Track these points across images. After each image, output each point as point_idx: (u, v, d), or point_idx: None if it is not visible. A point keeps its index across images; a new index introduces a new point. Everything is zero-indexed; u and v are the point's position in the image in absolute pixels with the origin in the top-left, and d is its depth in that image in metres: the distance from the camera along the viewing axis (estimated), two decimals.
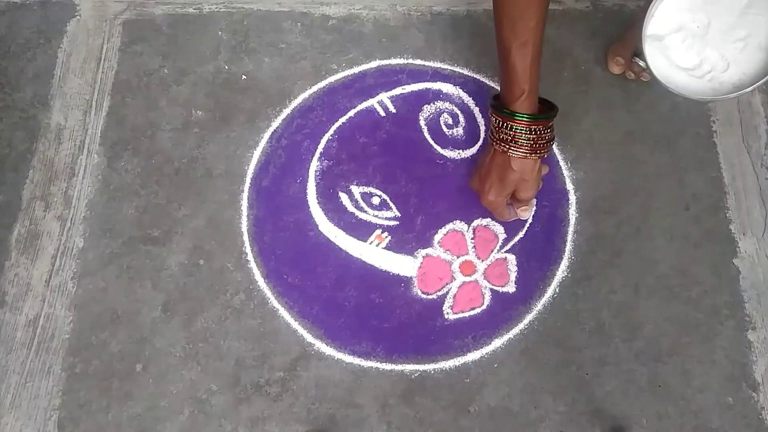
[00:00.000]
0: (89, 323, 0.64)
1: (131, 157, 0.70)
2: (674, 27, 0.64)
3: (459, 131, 0.71)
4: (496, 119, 0.58)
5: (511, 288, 0.65)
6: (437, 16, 0.76)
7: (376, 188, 0.69)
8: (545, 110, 0.60)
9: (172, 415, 0.60)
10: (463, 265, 0.66)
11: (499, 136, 0.58)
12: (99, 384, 0.61)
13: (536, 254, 0.66)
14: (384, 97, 0.72)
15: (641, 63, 0.66)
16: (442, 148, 0.70)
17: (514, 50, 0.54)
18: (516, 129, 0.56)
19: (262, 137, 0.71)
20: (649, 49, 0.63)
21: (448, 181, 0.69)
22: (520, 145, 0.56)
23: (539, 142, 0.57)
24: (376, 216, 0.68)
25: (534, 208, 0.67)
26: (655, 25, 0.63)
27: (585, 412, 0.61)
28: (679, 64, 0.64)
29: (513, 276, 0.66)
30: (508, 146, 0.57)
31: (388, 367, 0.62)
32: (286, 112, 0.72)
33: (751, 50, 0.62)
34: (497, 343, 0.63)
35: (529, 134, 0.56)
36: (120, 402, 0.61)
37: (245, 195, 0.68)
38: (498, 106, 0.58)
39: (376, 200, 0.68)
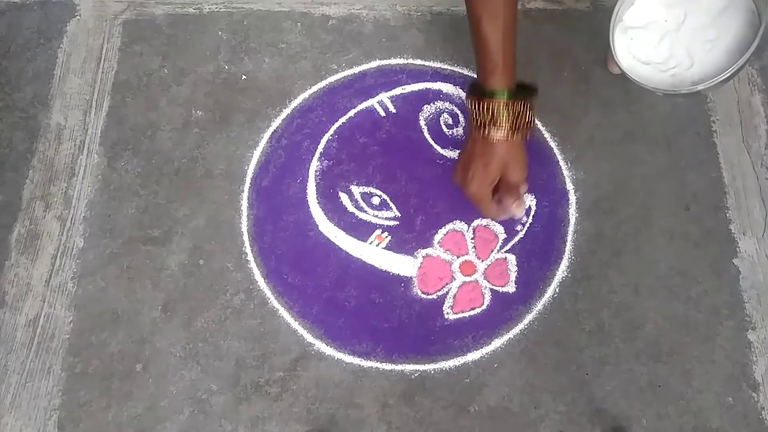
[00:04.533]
0: (89, 323, 0.64)
1: (131, 157, 0.70)
2: (650, 18, 0.65)
3: (459, 131, 0.71)
4: (473, 102, 0.56)
5: (511, 288, 0.65)
6: (437, 16, 0.76)
7: (376, 188, 0.69)
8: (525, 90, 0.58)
9: (172, 415, 0.60)
10: (463, 265, 0.66)
11: (479, 119, 0.55)
12: (99, 384, 0.61)
13: (536, 254, 0.66)
14: (384, 97, 0.72)
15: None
16: (442, 148, 0.70)
17: (484, 22, 0.53)
18: (494, 109, 0.54)
19: (262, 137, 0.71)
20: (619, 37, 0.64)
21: (448, 181, 0.68)
22: (500, 126, 0.54)
23: (519, 121, 0.55)
24: (376, 216, 0.68)
25: (526, 204, 0.66)
26: (631, 14, 0.64)
27: (585, 412, 0.61)
28: (648, 55, 0.65)
29: (513, 276, 0.66)
30: (488, 129, 0.55)
31: (388, 367, 0.62)
32: (286, 112, 0.72)
33: (717, 52, 0.63)
34: (497, 343, 0.63)
35: (508, 113, 0.54)
36: (120, 402, 0.61)
37: (245, 195, 0.68)
38: (475, 89, 0.57)
39: (376, 200, 0.68)
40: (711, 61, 0.63)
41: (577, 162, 0.70)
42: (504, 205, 0.61)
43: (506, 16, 0.53)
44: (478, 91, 0.56)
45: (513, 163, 0.57)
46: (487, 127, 0.55)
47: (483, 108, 0.55)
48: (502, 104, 0.54)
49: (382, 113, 0.72)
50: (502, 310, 0.64)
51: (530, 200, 0.68)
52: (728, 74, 0.60)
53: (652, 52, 0.65)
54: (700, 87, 0.61)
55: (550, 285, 0.65)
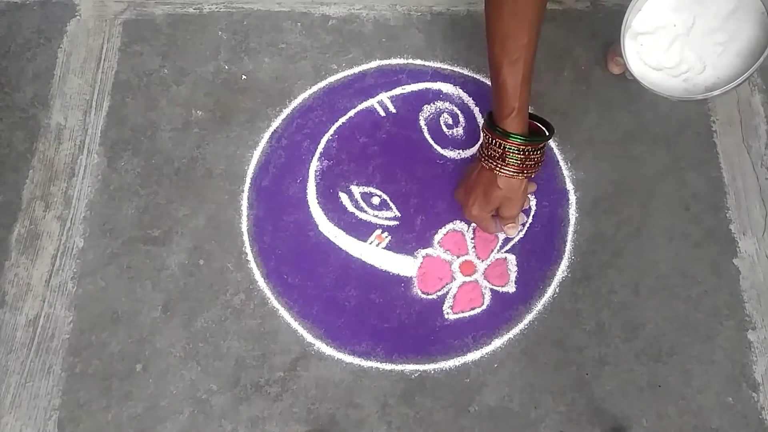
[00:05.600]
0: (89, 323, 0.64)
1: (131, 157, 0.70)
2: (659, 23, 0.64)
3: (459, 131, 0.71)
4: (486, 135, 0.58)
5: (511, 288, 0.65)
6: (437, 16, 0.76)
7: (376, 188, 0.69)
8: (538, 129, 0.59)
9: (172, 415, 0.60)
10: (463, 265, 0.66)
11: (488, 152, 0.57)
12: (99, 384, 0.62)
13: (536, 254, 0.66)
14: (384, 97, 0.72)
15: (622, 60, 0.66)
16: (442, 148, 0.70)
17: (504, 68, 0.54)
18: (506, 148, 0.56)
19: (262, 137, 0.71)
20: (629, 43, 0.64)
21: (448, 181, 0.69)
22: (508, 164, 0.56)
23: (527, 162, 0.56)
24: (376, 216, 0.68)
25: (523, 225, 0.67)
26: (639, 19, 0.64)
27: (585, 412, 0.61)
28: (658, 61, 0.65)
29: (513, 276, 0.66)
30: (496, 163, 0.57)
31: (388, 367, 0.62)
32: (286, 112, 0.72)
33: (728, 56, 0.63)
34: (497, 343, 0.63)
35: (518, 154, 0.56)
36: (120, 402, 0.61)
37: (245, 195, 0.68)
38: (491, 123, 0.58)
39: (376, 200, 0.68)
40: (723, 64, 0.63)
41: (577, 162, 0.70)
42: (499, 226, 0.63)
43: (526, 62, 0.54)
44: (493, 125, 0.57)
45: (512, 199, 0.59)
46: (495, 162, 0.57)
47: (496, 145, 0.56)
48: (514, 146, 0.56)
49: (382, 113, 0.72)
50: (502, 310, 0.64)
51: (529, 203, 0.68)
52: (744, 77, 0.60)
53: (662, 58, 0.65)
54: (716, 92, 0.61)
55: (550, 285, 0.65)
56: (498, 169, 0.57)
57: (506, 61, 0.54)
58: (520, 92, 0.54)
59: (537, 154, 0.57)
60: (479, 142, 0.69)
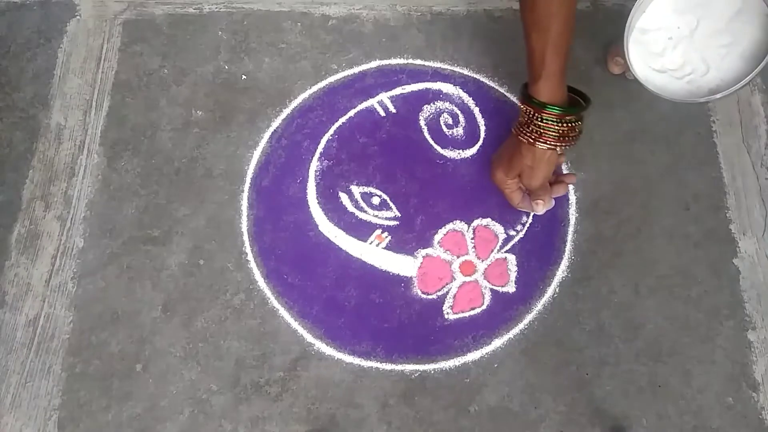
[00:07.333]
0: (89, 323, 0.64)
1: (131, 157, 0.70)
2: (662, 25, 0.64)
3: (459, 131, 0.71)
4: (519, 100, 0.58)
5: (511, 288, 0.65)
6: (437, 16, 0.76)
7: (376, 188, 0.69)
8: (574, 101, 0.58)
9: (172, 415, 0.60)
10: (463, 265, 0.66)
11: (519, 118, 0.57)
12: (99, 384, 0.62)
13: (536, 254, 0.66)
14: (384, 97, 0.72)
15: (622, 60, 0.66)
16: (442, 148, 0.70)
17: (533, 34, 0.53)
18: (528, 114, 0.55)
19: (262, 137, 0.71)
20: (633, 45, 0.64)
21: (448, 181, 0.69)
22: (530, 131, 0.56)
23: (548, 133, 0.55)
24: (376, 216, 0.68)
25: (548, 205, 0.63)
26: (643, 21, 0.64)
27: (585, 412, 0.61)
28: (662, 63, 0.65)
29: (513, 276, 0.66)
30: (519, 129, 0.57)
31: (388, 367, 0.62)
32: (286, 112, 0.72)
33: (732, 58, 0.63)
34: (497, 343, 0.63)
35: (540, 122, 0.55)
36: (120, 402, 0.61)
37: (245, 195, 0.68)
38: (524, 89, 0.57)
39: (376, 200, 0.68)
40: (727, 66, 0.63)
41: (577, 162, 0.70)
42: (526, 201, 0.63)
43: (557, 31, 0.52)
44: (525, 92, 0.57)
45: (533, 168, 0.58)
46: (519, 128, 0.57)
47: (522, 110, 0.57)
48: (534, 113, 0.55)
49: (382, 113, 0.72)
50: (502, 310, 0.64)
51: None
52: (748, 80, 0.60)
53: (666, 60, 0.65)
54: (719, 95, 0.61)
55: (550, 285, 0.65)
56: (521, 134, 0.56)
57: (534, 28, 0.53)
58: (547, 59, 0.53)
59: (558, 126, 0.55)
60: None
